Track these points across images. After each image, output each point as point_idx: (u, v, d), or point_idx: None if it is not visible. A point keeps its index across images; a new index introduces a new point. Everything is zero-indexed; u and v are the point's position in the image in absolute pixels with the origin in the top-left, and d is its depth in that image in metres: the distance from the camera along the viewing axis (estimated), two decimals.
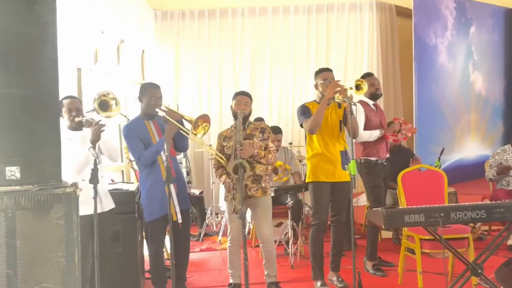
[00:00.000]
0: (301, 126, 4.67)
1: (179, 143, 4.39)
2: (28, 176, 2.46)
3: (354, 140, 5.07)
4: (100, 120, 3.80)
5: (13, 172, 2.43)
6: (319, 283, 4.59)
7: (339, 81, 4.49)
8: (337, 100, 4.38)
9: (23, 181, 2.44)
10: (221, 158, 4.44)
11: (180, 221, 4.20)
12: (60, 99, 3.97)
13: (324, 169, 4.57)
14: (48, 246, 2.44)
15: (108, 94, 3.88)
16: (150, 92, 4.33)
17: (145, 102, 4.35)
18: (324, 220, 4.62)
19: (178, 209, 4.23)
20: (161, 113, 4.23)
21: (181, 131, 4.21)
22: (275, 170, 6.05)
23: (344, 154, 4.60)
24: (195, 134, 4.14)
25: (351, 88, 4.57)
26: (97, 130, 3.76)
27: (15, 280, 2.40)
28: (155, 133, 4.33)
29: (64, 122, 4.00)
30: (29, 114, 2.47)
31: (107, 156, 4.04)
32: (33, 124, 2.48)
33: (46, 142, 2.52)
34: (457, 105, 9.40)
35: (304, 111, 4.62)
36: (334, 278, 4.70)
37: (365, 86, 4.64)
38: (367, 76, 5.30)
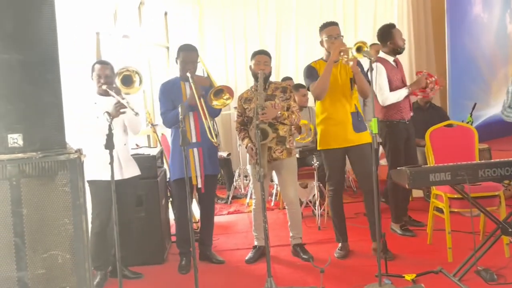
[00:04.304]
0: (308, 89, 4.41)
1: (209, 109, 4.22)
2: (31, 143, 2.42)
3: (381, 103, 4.86)
4: (123, 99, 3.79)
5: (15, 139, 2.39)
6: (339, 246, 4.49)
7: (342, 37, 4.28)
8: (344, 62, 4.11)
9: (26, 148, 2.41)
10: None
11: (199, 185, 4.17)
12: (93, 63, 4.07)
13: (334, 134, 4.28)
14: (55, 213, 2.43)
15: (131, 68, 3.81)
16: (182, 55, 4.30)
17: (178, 65, 4.33)
18: (339, 185, 4.45)
19: (198, 174, 4.20)
20: (190, 79, 4.15)
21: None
22: (299, 129, 5.93)
23: (355, 115, 4.28)
24: (212, 101, 4.05)
25: (352, 48, 4.10)
26: (118, 109, 3.78)
27: (24, 248, 2.39)
28: (188, 95, 4.26)
29: (94, 86, 4.06)
30: (29, 80, 2.42)
31: (128, 127, 4.04)
32: (34, 90, 2.43)
33: (48, 107, 2.47)
34: (493, 58, 8.97)
35: (310, 72, 4.33)
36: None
37: (366, 49, 4.09)
38: (394, 27, 5.03)
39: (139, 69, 3.88)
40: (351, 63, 4.05)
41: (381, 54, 4.98)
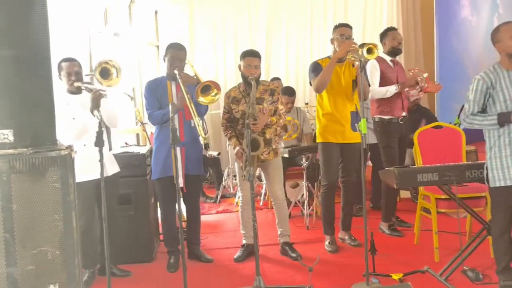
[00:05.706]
0: (310, 84, 4.58)
1: (196, 108, 4.14)
2: (22, 139, 2.41)
3: (369, 97, 4.96)
4: (99, 89, 3.73)
5: (6, 135, 2.39)
6: (328, 240, 4.60)
7: (353, 39, 4.39)
8: (349, 61, 4.31)
9: (17, 144, 2.40)
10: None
11: (180, 185, 4.16)
12: (58, 62, 3.96)
13: (333, 129, 4.49)
14: (45, 209, 2.42)
15: (110, 61, 3.78)
16: (170, 53, 4.30)
17: (166, 63, 4.32)
18: (333, 181, 4.59)
19: (180, 173, 4.20)
20: (178, 75, 4.14)
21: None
22: (285, 127, 5.95)
23: (354, 114, 4.48)
24: (198, 96, 4.01)
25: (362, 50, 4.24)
26: (97, 97, 3.69)
27: (13, 243, 2.38)
28: (174, 95, 4.27)
29: (63, 85, 3.95)
30: (21, 75, 2.41)
31: (106, 121, 3.97)
32: (25, 85, 2.42)
33: (39, 104, 2.46)
34: (481, 61, 9.04)
35: (315, 68, 4.49)
36: (346, 237, 4.71)
37: (377, 51, 4.18)
38: (390, 30, 5.13)
39: (119, 63, 3.82)
40: (356, 63, 4.18)
41: (381, 54, 5.04)
